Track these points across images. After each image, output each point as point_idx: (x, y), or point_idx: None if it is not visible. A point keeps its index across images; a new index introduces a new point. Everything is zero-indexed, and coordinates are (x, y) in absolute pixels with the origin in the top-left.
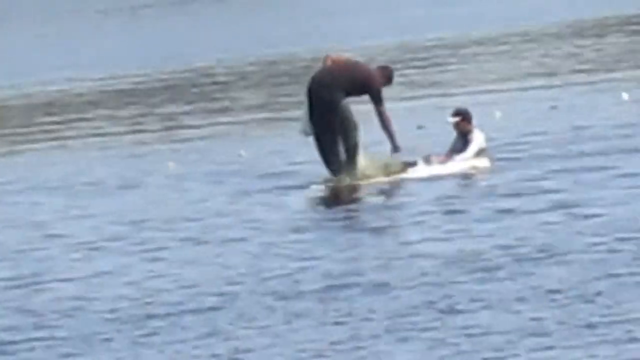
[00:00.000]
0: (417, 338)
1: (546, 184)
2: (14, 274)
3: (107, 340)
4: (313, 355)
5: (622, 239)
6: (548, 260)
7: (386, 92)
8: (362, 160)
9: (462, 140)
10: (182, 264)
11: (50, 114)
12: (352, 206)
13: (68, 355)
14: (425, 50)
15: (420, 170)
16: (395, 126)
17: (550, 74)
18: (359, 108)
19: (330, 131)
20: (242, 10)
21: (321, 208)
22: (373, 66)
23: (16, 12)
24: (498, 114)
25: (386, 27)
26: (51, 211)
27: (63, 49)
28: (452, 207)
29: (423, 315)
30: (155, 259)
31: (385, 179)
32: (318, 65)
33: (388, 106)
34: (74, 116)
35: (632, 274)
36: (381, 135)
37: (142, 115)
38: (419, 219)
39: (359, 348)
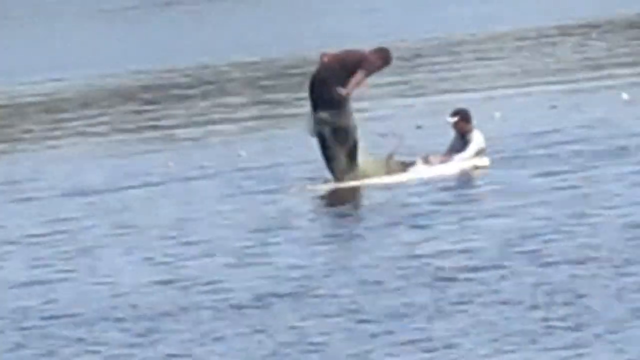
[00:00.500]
0: (417, 338)
1: (546, 184)
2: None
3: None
4: (309, 350)
5: (622, 239)
6: (548, 259)
7: (386, 91)
8: (362, 160)
9: (461, 140)
10: (183, 263)
11: (39, 114)
12: (352, 206)
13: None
14: (424, 50)
15: (420, 170)
16: (394, 126)
17: (550, 74)
18: (359, 107)
19: (332, 131)
20: (242, 10)
21: (321, 208)
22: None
23: (2, 13)
24: (497, 114)
25: (386, 27)
26: (46, 212)
27: (51, 49)
28: (451, 207)
29: (422, 314)
30: (155, 259)
31: (385, 179)
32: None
33: (387, 104)
34: (65, 116)
35: (632, 273)
36: (381, 135)
37: (137, 113)
38: (418, 219)
39: (354, 346)
